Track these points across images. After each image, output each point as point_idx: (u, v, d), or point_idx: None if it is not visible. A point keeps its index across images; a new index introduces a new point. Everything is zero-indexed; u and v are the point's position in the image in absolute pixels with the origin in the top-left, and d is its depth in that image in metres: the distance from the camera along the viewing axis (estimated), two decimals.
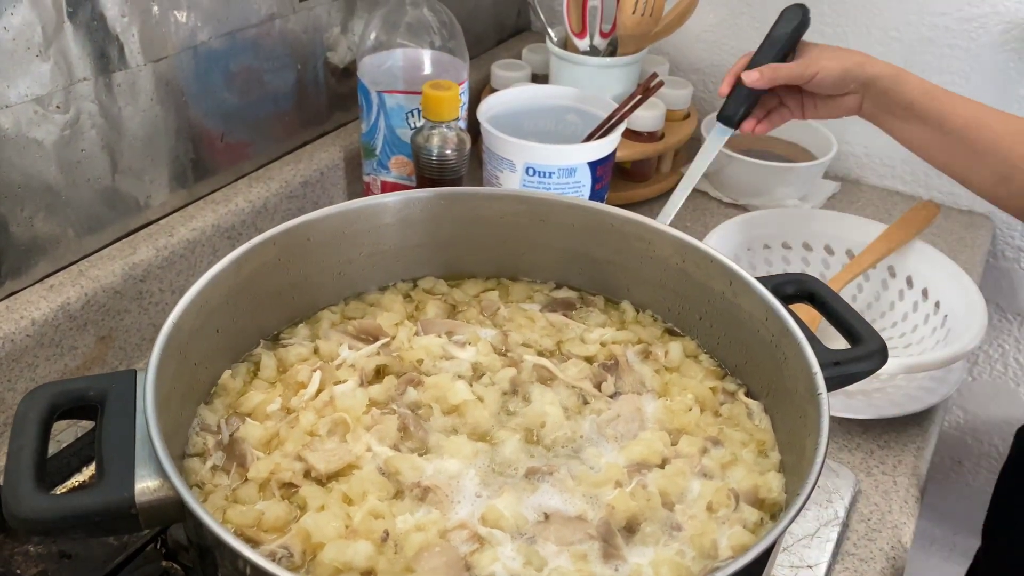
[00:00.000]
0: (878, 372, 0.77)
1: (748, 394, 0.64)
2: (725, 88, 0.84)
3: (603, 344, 0.67)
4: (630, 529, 0.53)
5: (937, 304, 0.91)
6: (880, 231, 0.96)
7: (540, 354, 0.66)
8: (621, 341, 0.68)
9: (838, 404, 0.83)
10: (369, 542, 0.50)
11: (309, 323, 0.69)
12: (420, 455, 0.57)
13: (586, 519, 0.53)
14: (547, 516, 0.53)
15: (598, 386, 0.63)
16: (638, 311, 0.72)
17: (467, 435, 0.59)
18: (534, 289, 0.74)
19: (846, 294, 0.97)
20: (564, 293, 0.74)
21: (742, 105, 0.83)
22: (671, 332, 0.70)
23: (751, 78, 0.80)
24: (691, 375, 0.65)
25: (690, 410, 0.62)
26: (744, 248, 0.96)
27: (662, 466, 0.58)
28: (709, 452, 0.59)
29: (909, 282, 0.96)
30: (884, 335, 0.92)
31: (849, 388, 0.85)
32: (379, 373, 0.64)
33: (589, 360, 0.66)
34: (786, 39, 0.82)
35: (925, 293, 0.94)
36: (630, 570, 0.51)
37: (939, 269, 0.93)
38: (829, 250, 1.00)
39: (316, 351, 0.65)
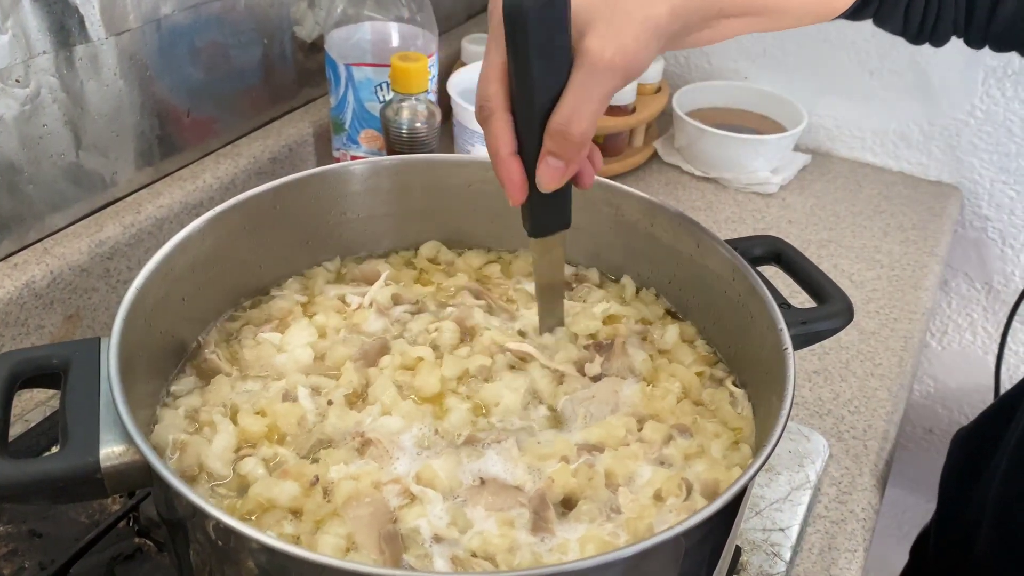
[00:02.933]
0: None
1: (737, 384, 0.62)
2: None
3: (605, 322, 0.65)
4: (568, 505, 0.52)
5: None
6: None
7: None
8: (622, 316, 0.66)
9: None
10: (297, 484, 0.51)
11: (303, 278, 0.70)
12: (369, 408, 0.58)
13: (523, 489, 0.52)
14: (483, 481, 0.53)
15: (582, 367, 0.62)
16: (616, 279, 0.71)
17: (415, 397, 0.59)
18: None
19: None
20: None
21: None
22: (671, 313, 0.69)
23: None
24: (681, 359, 0.64)
25: (665, 398, 0.60)
26: None
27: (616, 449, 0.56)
28: (674, 440, 0.57)
29: None
30: None
31: None
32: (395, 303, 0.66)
33: (593, 337, 0.64)
34: None
35: None
36: (556, 543, 0.50)
37: None
38: None
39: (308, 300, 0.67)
